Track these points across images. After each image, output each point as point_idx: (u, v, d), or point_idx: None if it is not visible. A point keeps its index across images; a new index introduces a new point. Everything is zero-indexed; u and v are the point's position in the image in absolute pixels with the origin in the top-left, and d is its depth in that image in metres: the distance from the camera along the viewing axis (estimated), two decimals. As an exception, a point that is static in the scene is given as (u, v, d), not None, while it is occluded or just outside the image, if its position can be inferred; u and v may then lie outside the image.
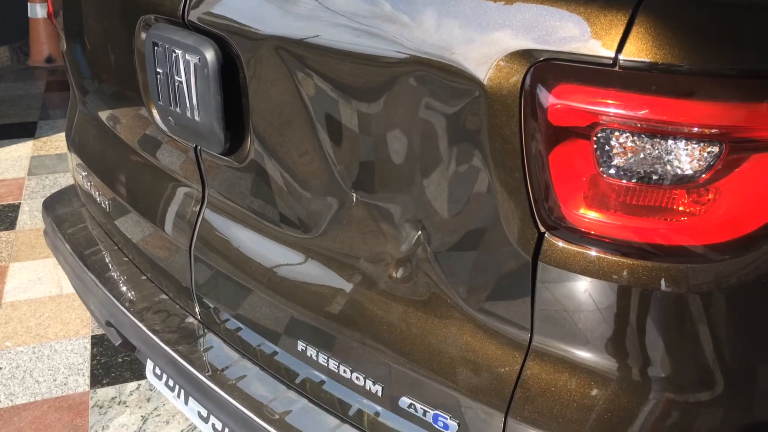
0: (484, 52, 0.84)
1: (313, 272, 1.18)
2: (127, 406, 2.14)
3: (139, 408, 2.13)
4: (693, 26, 0.74)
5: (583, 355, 0.90)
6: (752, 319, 0.88)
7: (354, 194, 1.06)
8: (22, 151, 3.93)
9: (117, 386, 2.21)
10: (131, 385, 2.22)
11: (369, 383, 1.11)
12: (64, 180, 3.58)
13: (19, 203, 3.34)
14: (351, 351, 1.13)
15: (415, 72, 0.91)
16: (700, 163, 0.77)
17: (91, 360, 2.33)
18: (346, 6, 0.98)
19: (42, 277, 2.76)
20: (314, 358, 1.18)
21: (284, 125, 1.12)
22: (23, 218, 3.21)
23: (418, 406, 1.06)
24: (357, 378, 1.12)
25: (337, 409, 1.18)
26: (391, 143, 0.98)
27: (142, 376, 2.25)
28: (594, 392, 0.91)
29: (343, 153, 1.05)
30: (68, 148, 1.84)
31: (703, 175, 0.78)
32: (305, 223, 1.17)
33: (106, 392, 2.19)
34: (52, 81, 5.11)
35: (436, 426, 1.05)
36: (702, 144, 0.76)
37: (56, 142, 4.07)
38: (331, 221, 1.12)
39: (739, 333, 0.88)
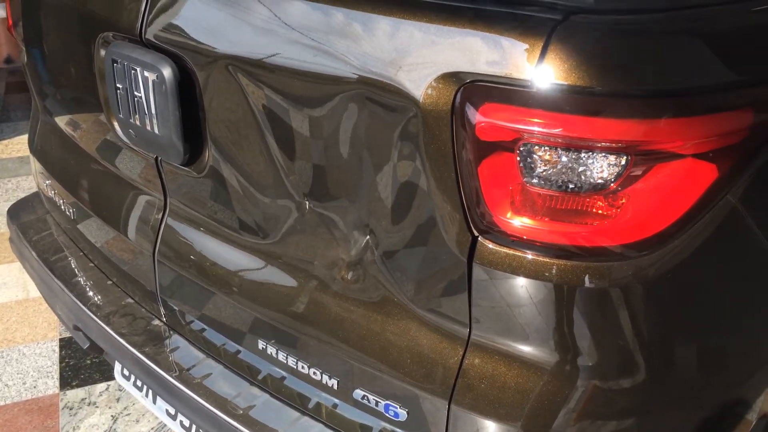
0: (418, 73, 0.92)
1: (272, 275, 1.26)
2: (97, 407, 2.18)
3: (109, 408, 2.17)
4: (598, 52, 0.83)
5: (518, 347, 0.99)
6: (667, 309, 0.98)
7: (307, 202, 1.14)
8: (-18, 154, 3.91)
9: (86, 387, 2.26)
10: (100, 386, 2.26)
11: (325, 378, 1.19)
12: (27, 183, 3.58)
13: (-18, 208, 3.34)
14: (308, 348, 1.21)
15: (358, 90, 0.99)
16: (610, 172, 0.87)
17: (60, 362, 2.36)
18: (295, 29, 1.05)
19: (7, 282, 2.78)
20: (274, 355, 1.25)
21: (239, 138, 1.19)
22: (-14, 223, 3.21)
23: (370, 397, 1.14)
24: (314, 373, 1.20)
25: (297, 402, 1.26)
26: (338, 155, 1.06)
27: (111, 377, 2.29)
28: (528, 380, 1.00)
29: (294, 164, 1.12)
30: (31, 156, 1.87)
31: (613, 184, 0.87)
32: (263, 229, 1.24)
33: (75, 394, 2.23)
34: (12, 82, 5.04)
35: (387, 415, 1.13)
36: (611, 156, 0.86)
37: (18, 145, 4.04)
38: (286, 227, 1.20)
39: (655, 323, 0.98)
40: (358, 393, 1.15)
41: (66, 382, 2.27)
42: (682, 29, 0.87)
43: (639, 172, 0.87)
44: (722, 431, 1.13)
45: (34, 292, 2.71)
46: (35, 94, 1.79)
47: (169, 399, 1.38)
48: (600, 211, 0.90)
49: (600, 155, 0.86)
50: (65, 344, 2.45)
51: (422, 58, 0.91)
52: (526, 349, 0.99)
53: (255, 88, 1.11)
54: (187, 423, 1.44)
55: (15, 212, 1.92)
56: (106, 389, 2.25)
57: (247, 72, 1.12)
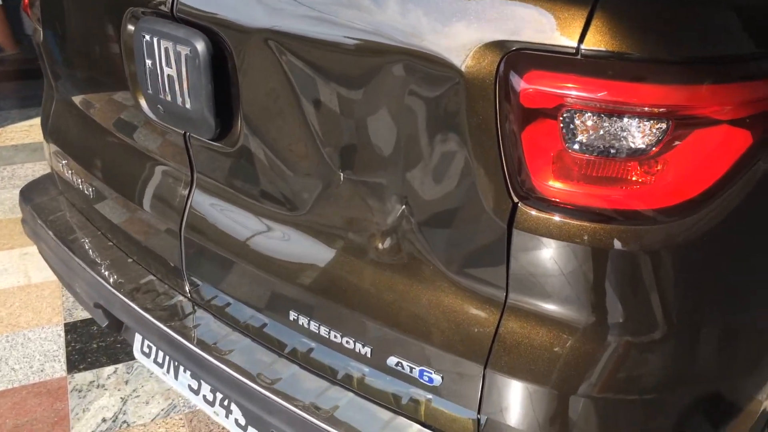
0: (462, 42, 0.95)
1: (305, 247, 1.28)
2: (105, 389, 2.19)
3: (118, 390, 2.18)
4: (643, 19, 0.87)
5: (553, 308, 1.03)
6: (694, 272, 1.02)
7: (341, 173, 1.16)
8: (-25, 143, 3.87)
9: (94, 371, 2.26)
10: (108, 369, 2.27)
11: (359, 346, 1.21)
12: (23, 171, 3.55)
13: (-22, 196, 3.31)
14: (342, 318, 1.23)
15: (399, 60, 1.01)
16: (651, 138, 0.90)
17: (66, 346, 2.37)
18: (337, 1, 1.07)
19: (8, 268, 2.77)
20: (306, 326, 1.27)
21: (274, 111, 1.21)
22: (-17, 210, 3.19)
23: (405, 363, 1.17)
24: (347, 342, 1.23)
25: (328, 372, 1.29)
26: (377, 125, 1.08)
27: (119, 360, 2.30)
28: (563, 340, 1.03)
29: (331, 135, 1.15)
30: (45, 138, 1.87)
31: (653, 149, 0.90)
32: (296, 201, 1.26)
33: (83, 377, 2.23)
34: (1, 71, 4.99)
35: (421, 381, 1.16)
36: (652, 121, 0.89)
37: (11, 133, 4.01)
38: (318, 199, 1.22)
39: (683, 284, 1.02)
40: (392, 360, 1.18)
41: (73, 366, 2.28)
42: (721, -1, 0.90)
43: (677, 138, 0.90)
44: (739, 408, 1.18)
45: (36, 278, 2.70)
46: (50, 75, 1.79)
47: (197, 371, 1.40)
48: (639, 177, 0.93)
49: (641, 120, 0.89)
50: (70, 329, 2.45)
51: (466, 27, 0.94)
52: (561, 310, 1.02)
53: (292, 61, 1.13)
54: (210, 397, 1.46)
55: (27, 194, 1.92)
56: (114, 372, 2.26)
57: (284, 45, 1.13)
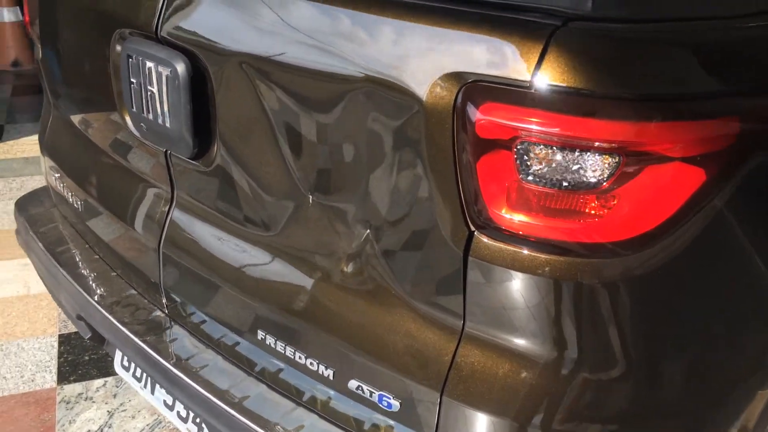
0: (423, 72, 0.96)
1: (274, 267, 1.29)
2: (93, 402, 2.21)
3: (106, 403, 2.20)
4: (595, 57, 0.88)
5: (509, 339, 1.03)
6: (651, 305, 1.02)
7: (310, 196, 1.18)
8: (-12, 154, 3.96)
9: (84, 383, 2.28)
10: (98, 382, 2.29)
11: (322, 368, 1.22)
12: (32, 183, 3.62)
13: (-14, 206, 3.38)
14: (307, 339, 1.24)
15: (364, 88, 1.03)
16: (603, 172, 0.91)
17: (58, 358, 2.39)
18: (305, 31, 1.10)
19: (9, 278, 2.81)
20: (273, 345, 1.29)
21: (248, 133, 1.23)
22: (-10, 220, 3.24)
23: (365, 388, 1.17)
24: (311, 363, 1.24)
25: (293, 393, 1.29)
26: (343, 151, 1.10)
27: (109, 374, 2.32)
28: (519, 372, 1.03)
29: (301, 159, 1.17)
30: (42, 151, 1.92)
31: (605, 183, 0.91)
32: (267, 222, 1.28)
33: (72, 388, 2.25)
34: (18, 85, 5.11)
35: (380, 405, 1.16)
36: (603, 156, 0.90)
37: (23, 146, 4.09)
38: (290, 221, 1.24)
39: (640, 317, 1.01)
40: (353, 383, 1.18)
41: (63, 377, 2.30)
42: (671, 39, 0.91)
43: (630, 173, 0.91)
44: None
45: (35, 288, 2.74)
46: (48, 91, 1.84)
47: (169, 387, 1.41)
48: (591, 210, 0.94)
49: (593, 155, 0.90)
50: (64, 340, 2.48)
51: (428, 58, 0.96)
52: (517, 341, 1.03)
53: (265, 85, 1.16)
54: (184, 413, 1.47)
55: (23, 205, 1.96)
56: (104, 385, 2.27)
57: (258, 70, 1.16)
